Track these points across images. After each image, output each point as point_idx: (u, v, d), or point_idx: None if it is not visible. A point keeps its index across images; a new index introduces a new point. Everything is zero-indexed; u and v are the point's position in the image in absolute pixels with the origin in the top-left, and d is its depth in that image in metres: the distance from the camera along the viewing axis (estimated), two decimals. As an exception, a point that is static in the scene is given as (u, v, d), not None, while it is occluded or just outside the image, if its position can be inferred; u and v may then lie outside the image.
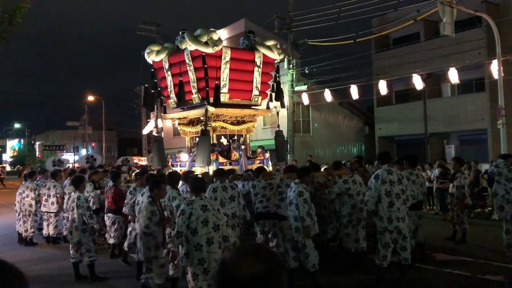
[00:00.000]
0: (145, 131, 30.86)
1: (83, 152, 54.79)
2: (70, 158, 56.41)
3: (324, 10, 18.89)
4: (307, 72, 21.25)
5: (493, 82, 15.82)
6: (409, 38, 23.51)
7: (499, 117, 13.77)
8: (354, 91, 19.10)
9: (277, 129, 11.76)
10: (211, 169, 9.55)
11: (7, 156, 78.95)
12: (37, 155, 66.61)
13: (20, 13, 7.67)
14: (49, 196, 10.85)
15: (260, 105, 11.22)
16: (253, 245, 1.42)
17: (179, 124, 11.27)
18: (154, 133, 14.56)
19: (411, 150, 22.13)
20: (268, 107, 11.44)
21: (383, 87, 18.48)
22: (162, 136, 12.10)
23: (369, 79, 21.23)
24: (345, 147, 27.36)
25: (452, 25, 12.73)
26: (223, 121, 10.42)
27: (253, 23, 29.03)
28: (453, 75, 16.01)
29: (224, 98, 10.10)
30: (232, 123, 10.62)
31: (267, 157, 11.03)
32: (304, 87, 21.49)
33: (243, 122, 10.86)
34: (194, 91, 10.07)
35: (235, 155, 10.55)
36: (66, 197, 10.60)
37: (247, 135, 11.23)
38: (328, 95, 20.37)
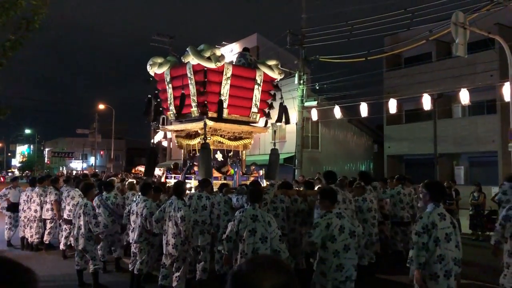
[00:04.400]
0: (154, 141, 30.97)
1: (92, 160, 55.09)
2: (79, 166, 56.80)
3: (336, 27, 18.98)
4: (317, 88, 21.29)
5: (505, 105, 15.72)
6: (421, 58, 23.53)
7: (510, 140, 13.66)
8: (364, 109, 19.08)
9: (273, 147, 11.85)
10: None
11: (16, 161, 79.56)
12: (45, 161, 67.07)
13: (38, 19, 7.77)
14: (45, 202, 10.84)
15: (257, 122, 11.28)
16: (268, 257, 1.39)
17: (176, 136, 11.29)
18: (163, 143, 14.66)
19: (420, 170, 22.07)
20: (265, 124, 11.44)
21: (393, 105, 18.43)
22: (158, 147, 12.24)
23: (379, 97, 21.20)
24: (353, 164, 27.26)
25: (465, 46, 12.71)
26: (221, 136, 10.45)
27: (266, 38, 29.25)
28: (465, 96, 15.95)
29: (223, 113, 10.14)
30: (229, 139, 10.66)
31: (261, 174, 11.02)
32: (314, 103, 21.50)
33: (240, 138, 10.91)
34: (193, 104, 10.11)
35: (230, 170, 10.54)
36: (63, 204, 10.61)
37: (243, 152, 11.26)
38: (337, 112, 20.36)
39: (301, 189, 9.30)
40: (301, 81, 20.33)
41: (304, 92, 20.53)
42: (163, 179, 10.94)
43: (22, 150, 79.76)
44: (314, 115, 21.23)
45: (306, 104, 20.84)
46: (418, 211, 9.41)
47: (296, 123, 20.57)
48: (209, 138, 10.08)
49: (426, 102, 17.47)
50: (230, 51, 27.88)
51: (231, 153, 10.97)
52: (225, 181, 9.69)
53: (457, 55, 13.70)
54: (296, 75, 20.46)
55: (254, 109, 10.83)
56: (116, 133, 45.75)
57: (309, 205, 8.23)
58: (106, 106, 44.95)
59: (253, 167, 11.54)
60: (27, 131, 76.57)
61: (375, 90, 22.28)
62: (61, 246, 10.10)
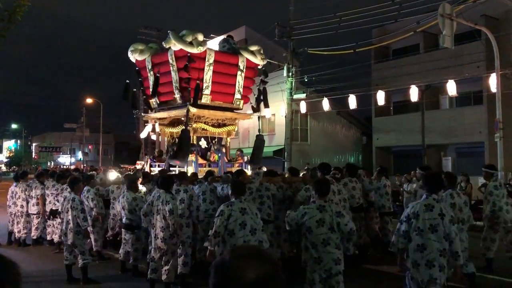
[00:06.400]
0: (143, 135, 30.72)
1: (80, 154, 54.69)
2: (67, 160, 56.34)
3: (324, 19, 18.96)
4: (306, 80, 21.29)
5: (491, 96, 15.87)
6: (409, 50, 23.62)
7: (497, 131, 13.79)
8: (353, 101, 19.13)
9: (258, 133, 11.79)
10: (190, 169, 9.54)
11: (3, 157, 78.68)
12: (33, 156, 66.44)
13: (20, 11, 7.67)
14: (30, 197, 10.77)
15: (241, 109, 11.24)
16: (251, 247, 1.39)
17: (159, 124, 11.21)
18: (152, 136, 14.54)
19: (408, 161, 22.23)
20: (254, 111, 11.44)
21: (381, 97, 18.51)
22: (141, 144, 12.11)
23: (367, 89, 21.26)
24: (343, 156, 27.39)
25: (452, 38, 12.77)
26: (204, 122, 10.39)
27: (254, 30, 29.16)
28: (452, 88, 16.06)
29: (206, 99, 10.08)
30: (213, 125, 10.61)
31: (245, 160, 11.03)
32: (303, 95, 21.52)
33: (224, 125, 10.87)
34: (176, 91, 10.03)
35: (214, 156, 10.51)
36: (48, 199, 10.51)
37: (228, 138, 11.23)
38: (326, 104, 20.39)
39: (286, 176, 9.34)
40: (290, 74, 20.31)
41: (293, 84, 20.53)
42: (147, 168, 10.84)
43: (8, 145, 78.82)
44: (303, 107, 21.24)
45: (295, 96, 20.84)
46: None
47: (285, 116, 20.58)
48: (192, 125, 10.00)
49: (414, 94, 17.57)
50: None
51: (215, 139, 10.92)
52: (210, 169, 9.63)
53: (444, 47, 13.78)
54: (285, 67, 20.44)
55: (238, 96, 10.78)
56: (104, 127, 45.43)
57: (294, 192, 8.25)
58: (93, 100, 44.55)
59: (238, 153, 11.55)
60: (14, 126, 75.65)
61: (364, 82, 22.37)
62: (56, 239, 10.04)
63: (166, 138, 11.29)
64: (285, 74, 20.42)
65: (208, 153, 10.70)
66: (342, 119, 27.62)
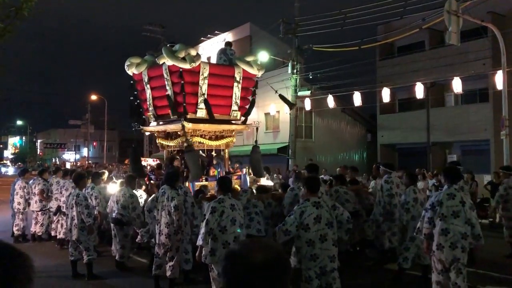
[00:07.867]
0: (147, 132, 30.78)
1: (84, 151, 54.87)
2: (72, 157, 56.53)
3: (329, 16, 18.91)
4: (311, 77, 21.23)
5: (497, 93, 15.78)
6: (414, 47, 23.48)
7: (503, 128, 13.72)
8: (357, 98, 19.07)
9: (254, 144, 11.48)
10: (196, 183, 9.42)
11: (8, 153, 79.12)
12: (38, 152, 66.74)
13: (27, 7, 7.70)
14: (34, 194, 10.81)
15: (239, 120, 11.00)
16: (258, 238, 1.47)
17: (157, 137, 11.11)
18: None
19: (413, 159, 22.15)
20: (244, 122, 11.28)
21: (386, 94, 18.45)
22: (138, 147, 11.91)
23: (372, 87, 21.18)
24: (347, 154, 27.33)
25: (458, 35, 12.70)
26: (201, 136, 10.20)
27: (258, 27, 29.11)
28: (457, 85, 15.99)
29: (201, 113, 9.92)
30: (210, 138, 10.38)
31: (244, 172, 10.94)
32: (308, 92, 21.47)
33: (222, 137, 10.63)
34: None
35: (213, 171, 10.43)
36: (54, 196, 10.51)
37: (226, 150, 11.10)
38: (331, 101, 20.33)
39: (278, 192, 9.26)
40: (295, 71, 20.27)
41: (298, 81, 20.49)
42: (146, 181, 10.79)
43: (14, 142, 79.26)
44: (308, 104, 21.19)
45: (300, 93, 20.80)
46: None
47: (290, 113, 20.54)
48: (191, 139, 9.92)
49: (419, 91, 17.51)
50: (223, 41, 27.72)
51: (213, 152, 10.81)
52: (206, 183, 9.53)
53: (450, 44, 13.70)
54: (289, 64, 20.39)
55: (235, 107, 10.58)
56: (108, 124, 45.51)
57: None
58: (98, 96, 44.65)
59: (237, 165, 11.51)
60: (19, 122, 76.06)
61: (368, 79, 22.30)
62: (59, 235, 10.07)
63: (165, 151, 11.20)
64: (289, 71, 20.39)
65: (209, 168, 10.60)
66: (346, 116, 27.55)
